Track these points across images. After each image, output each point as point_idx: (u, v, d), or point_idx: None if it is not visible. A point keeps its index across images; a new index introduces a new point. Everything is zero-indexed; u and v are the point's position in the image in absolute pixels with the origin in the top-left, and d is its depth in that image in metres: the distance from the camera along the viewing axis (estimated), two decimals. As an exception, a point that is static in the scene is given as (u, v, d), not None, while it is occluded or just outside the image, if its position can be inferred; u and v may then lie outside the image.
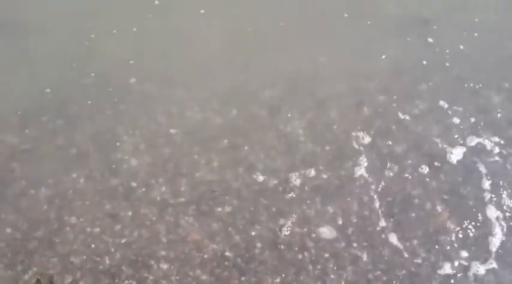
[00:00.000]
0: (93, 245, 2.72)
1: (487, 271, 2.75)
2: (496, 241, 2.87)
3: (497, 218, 2.95)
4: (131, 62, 3.72)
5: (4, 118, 3.32)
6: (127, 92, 3.53)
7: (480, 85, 3.68)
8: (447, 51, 3.92)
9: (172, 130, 3.31)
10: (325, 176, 3.11)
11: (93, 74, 3.62)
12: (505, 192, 3.07)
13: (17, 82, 3.53)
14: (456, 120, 3.44)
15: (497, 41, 4.06)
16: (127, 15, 4.05)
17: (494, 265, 2.77)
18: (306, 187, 3.05)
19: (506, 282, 2.72)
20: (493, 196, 3.05)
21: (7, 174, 3.03)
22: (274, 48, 3.90)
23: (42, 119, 3.32)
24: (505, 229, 2.91)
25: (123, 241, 2.76)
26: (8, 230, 2.78)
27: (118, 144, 3.21)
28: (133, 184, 3.02)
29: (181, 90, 3.56)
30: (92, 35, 3.87)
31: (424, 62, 3.83)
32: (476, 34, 4.05)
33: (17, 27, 3.87)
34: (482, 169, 3.18)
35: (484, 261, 2.78)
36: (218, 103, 3.49)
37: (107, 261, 2.67)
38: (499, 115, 3.50)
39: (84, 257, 2.68)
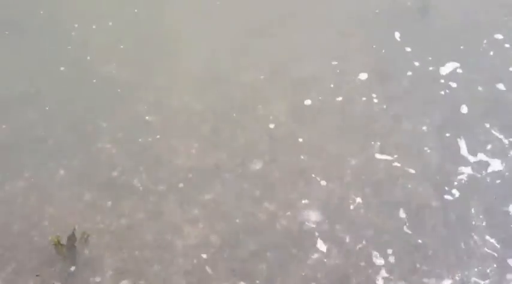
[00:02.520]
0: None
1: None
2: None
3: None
4: (109, 51, 3.66)
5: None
6: (105, 81, 3.47)
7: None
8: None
9: (150, 118, 3.25)
10: (306, 158, 3.08)
11: (70, 65, 3.55)
12: None
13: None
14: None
15: None
16: (105, 6, 3.99)
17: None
18: (290, 170, 3.02)
19: None
20: None
21: (-17, 168, 2.96)
22: (254, 34, 3.86)
23: (19, 111, 3.25)
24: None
25: (104, 230, 2.71)
26: (-15, 224, 2.72)
27: (97, 133, 3.15)
28: (114, 173, 2.96)
29: (160, 78, 3.51)
30: (73, 26, 3.80)
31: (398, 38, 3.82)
32: None
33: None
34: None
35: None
36: (197, 89, 3.44)
37: (87, 251, 2.62)
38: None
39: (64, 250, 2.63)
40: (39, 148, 3.06)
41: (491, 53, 3.71)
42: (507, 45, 3.75)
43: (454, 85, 3.49)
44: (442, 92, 3.45)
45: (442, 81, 3.52)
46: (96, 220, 2.75)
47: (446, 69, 3.60)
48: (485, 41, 3.79)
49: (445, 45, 3.76)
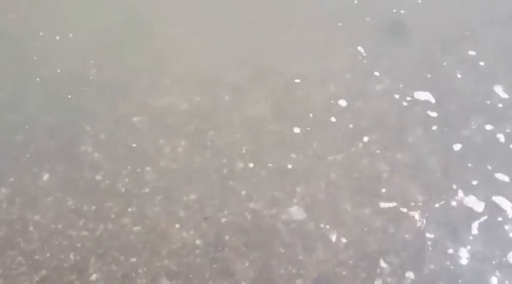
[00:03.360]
0: (56, 242, 2.65)
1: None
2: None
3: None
4: (91, 51, 3.63)
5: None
6: (87, 82, 3.44)
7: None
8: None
9: (135, 119, 3.23)
10: (294, 156, 3.07)
11: (50, 67, 3.52)
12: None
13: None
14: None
15: None
16: (86, 4, 3.95)
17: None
18: (275, 169, 3.01)
19: None
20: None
21: (-34, 175, 2.94)
22: (236, 31, 3.84)
23: None
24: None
25: (88, 236, 2.69)
26: (-31, 232, 2.70)
27: (79, 136, 3.13)
28: (97, 177, 2.95)
29: (143, 78, 3.49)
30: (51, 29, 3.76)
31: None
32: None
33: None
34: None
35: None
36: (181, 89, 3.42)
37: (72, 257, 2.61)
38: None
39: (49, 254, 2.61)
40: (21, 153, 3.03)
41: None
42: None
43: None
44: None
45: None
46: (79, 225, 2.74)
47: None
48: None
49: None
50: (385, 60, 3.69)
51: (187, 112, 3.31)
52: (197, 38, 3.77)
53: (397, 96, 3.43)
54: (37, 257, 2.62)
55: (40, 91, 3.37)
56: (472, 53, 3.77)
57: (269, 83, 3.49)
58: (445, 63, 3.69)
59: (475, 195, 2.92)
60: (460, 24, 4.01)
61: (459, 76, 3.60)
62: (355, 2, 4.08)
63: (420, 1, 4.21)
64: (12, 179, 2.92)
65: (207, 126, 3.22)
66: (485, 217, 2.82)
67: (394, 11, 4.09)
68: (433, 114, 3.33)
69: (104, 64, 3.56)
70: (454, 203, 2.88)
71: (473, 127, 3.27)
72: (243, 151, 3.09)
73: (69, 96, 3.35)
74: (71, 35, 3.74)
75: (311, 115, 3.30)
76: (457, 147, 3.16)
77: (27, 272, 2.56)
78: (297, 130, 3.21)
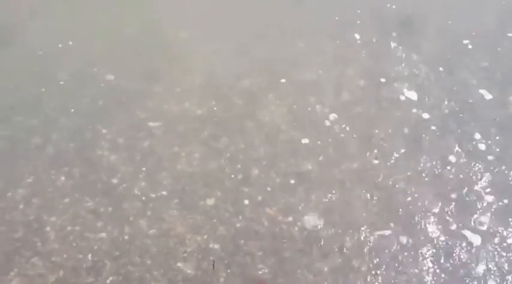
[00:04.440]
0: (74, 244, 2.67)
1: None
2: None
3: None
4: (108, 57, 3.67)
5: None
6: (104, 88, 3.48)
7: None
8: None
9: (151, 124, 3.26)
10: (308, 163, 3.10)
11: (69, 71, 3.56)
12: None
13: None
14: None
15: None
16: (103, 12, 4.00)
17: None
18: (290, 176, 3.03)
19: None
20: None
21: (-17, 176, 2.96)
22: (251, 38, 3.88)
23: (18, 118, 3.25)
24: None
25: (105, 238, 2.71)
26: (-14, 232, 2.72)
27: (96, 140, 3.16)
28: (114, 180, 2.97)
29: (159, 84, 3.52)
30: (68, 33, 3.81)
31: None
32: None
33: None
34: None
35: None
36: (197, 95, 3.46)
37: (90, 258, 2.62)
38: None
39: (65, 256, 2.63)
40: (39, 155, 3.06)
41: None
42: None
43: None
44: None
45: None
46: (96, 227, 2.75)
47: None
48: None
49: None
50: (399, 67, 3.72)
51: (202, 118, 3.34)
52: (212, 45, 3.81)
53: (413, 106, 3.47)
54: (53, 258, 2.63)
55: (58, 95, 3.40)
56: None
57: (284, 90, 3.53)
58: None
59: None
60: None
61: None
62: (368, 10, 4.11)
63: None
64: (29, 180, 2.94)
65: (221, 132, 3.25)
66: None
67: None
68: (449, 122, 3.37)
69: (120, 69, 3.59)
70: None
71: None
72: (258, 158, 3.12)
73: (87, 101, 3.38)
74: (88, 41, 3.79)
75: (326, 122, 3.33)
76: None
77: (43, 273, 2.58)
78: (311, 137, 3.24)
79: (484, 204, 2.96)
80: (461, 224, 2.86)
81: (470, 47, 4.01)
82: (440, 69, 3.79)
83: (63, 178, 2.96)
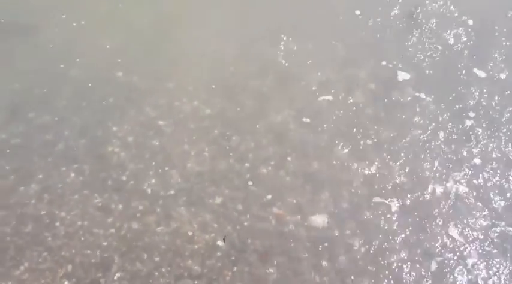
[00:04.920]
0: (83, 239, 2.70)
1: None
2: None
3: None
4: (118, 55, 3.69)
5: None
6: (115, 85, 3.50)
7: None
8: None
9: (161, 122, 3.29)
10: (317, 163, 3.10)
11: (80, 69, 3.58)
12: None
13: (4, 78, 3.48)
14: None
15: None
16: (114, 9, 4.02)
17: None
18: (299, 175, 3.04)
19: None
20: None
21: (-4, 170, 3.01)
22: (260, 38, 3.88)
23: (30, 115, 3.28)
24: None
25: (114, 234, 2.74)
26: (-3, 226, 2.76)
27: (107, 137, 3.18)
28: (123, 177, 2.99)
29: (169, 82, 3.54)
30: (79, 31, 3.83)
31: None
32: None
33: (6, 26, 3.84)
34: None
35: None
36: (207, 93, 3.47)
37: (98, 254, 2.65)
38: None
39: (74, 251, 2.66)
40: (50, 151, 3.09)
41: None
42: None
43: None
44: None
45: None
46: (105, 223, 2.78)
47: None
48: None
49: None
50: (410, 70, 3.71)
51: (211, 117, 3.35)
52: (222, 45, 3.81)
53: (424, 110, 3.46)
54: (63, 253, 2.66)
55: (69, 92, 3.43)
56: None
57: (293, 90, 3.53)
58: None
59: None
60: None
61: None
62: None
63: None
64: (40, 176, 2.97)
65: (231, 132, 3.26)
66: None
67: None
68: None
69: (131, 68, 3.61)
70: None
71: None
72: (267, 157, 3.13)
73: (97, 98, 3.41)
74: (99, 40, 3.81)
75: (334, 123, 3.33)
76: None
77: (52, 267, 2.61)
78: (321, 137, 3.24)
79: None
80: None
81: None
82: None
83: (73, 174, 3.00)
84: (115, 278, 2.57)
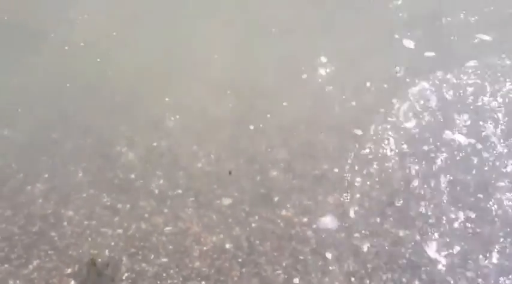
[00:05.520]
0: (90, 239, 2.69)
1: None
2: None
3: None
4: (127, 54, 3.69)
5: (0, 113, 3.28)
6: (122, 84, 3.49)
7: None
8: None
9: (169, 122, 3.28)
10: (325, 166, 3.09)
11: (87, 67, 3.58)
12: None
13: (14, 77, 3.48)
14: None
15: None
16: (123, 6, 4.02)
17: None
18: (307, 177, 3.03)
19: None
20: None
21: (3, 169, 2.99)
22: (270, 38, 3.87)
23: (38, 113, 3.28)
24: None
25: (121, 234, 2.73)
26: (5, 225, 2.74)
27: (114, 136, 3.18)
28: (131, 176, 2.99)
29: (178, 81, 3.53)
30: (88, 28, 3.83)
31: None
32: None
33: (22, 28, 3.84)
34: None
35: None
36: (216, 93, 3.46)
37: (106, 253, 2.64)
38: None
39: (81, 251, 2.65)
40: (57, 150, 3.09)
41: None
42: None
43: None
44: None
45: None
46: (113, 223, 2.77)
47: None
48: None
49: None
50: (422, 71, 3.67)
51: (220, 117, 3.34)
52: (232, 44, 3.79)
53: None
54: (70, 252, 2.65)
55: (76, 91, 3.43)
56: None
57: (303, 90, 3.51)
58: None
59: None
60: None
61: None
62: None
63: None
64: (47, 175, 2.97)
65: (240, 132, 3.25)
66: None
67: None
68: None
69: (141, 67, 3.60)
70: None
71: None
72: (276, 159, 3.11)
73: (105, 97, 3.40)
74: (108, 36, 3.80)
75: (345, 125, 3.30)
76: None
77: (59, 266, 2.60)
78: (330, 139, 3.22)
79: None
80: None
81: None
82: None
83: (80, 173, 2.99)
84: (123, 278, 2.56)
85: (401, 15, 3.98)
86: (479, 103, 3.38)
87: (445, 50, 3.74)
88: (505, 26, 3.87)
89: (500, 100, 3.40)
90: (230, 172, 2.92)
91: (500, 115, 3.31)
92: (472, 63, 3.63)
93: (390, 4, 4.06)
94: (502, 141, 3.16)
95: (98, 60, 3.63)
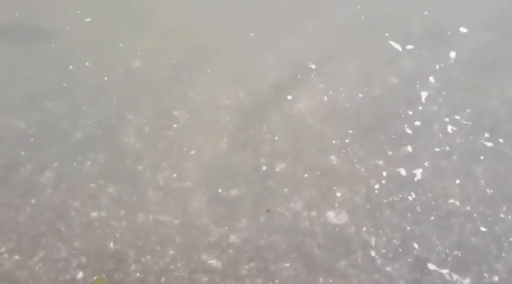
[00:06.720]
0: (98, 231, 2.68)
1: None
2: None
3: None
4: (135, 45, 3.67)
5: (10, 102, 3.28)
6: (131, 75, 3.47)
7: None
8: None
9: (177, 113, 3.25)
10: (335, 158, 3.04)
11: (96, 58, 3.56)
12: None
13: (24, 68, 3.48)
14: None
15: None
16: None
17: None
18: (315, 171, 2.98)
19: None
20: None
21: (13, 158, 2.99)
22: (279, 29, 3.82)
23: (48, 103, 3.27)
24: None
25: (128, 226, 2.71)
26: (13, 215, 2.75)
27: (123, 127, 3.16)
28: (139, 167, 2.97)
29: (186, 72, 3.50)
30: (95, 20, 3.81)
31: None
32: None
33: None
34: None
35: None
36: (225, 85, 3.42)
37: (112, 246, 2.63)
38: None
39: (88, 242, 2.64)
40: (67, 140, 3.08)
41: None
42: None
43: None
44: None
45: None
46: (120, 215, 2.76)
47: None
48: None
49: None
50: (428, 71, 3.62)
51: (229, 108, 3.30)
52: (241, 35, 3.76)
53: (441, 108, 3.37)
54: (77, 244, 2.65)
55: (86, 81, 3.41)
56: None
57: (312, 84, 3.46)
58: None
59: None
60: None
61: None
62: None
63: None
64: (56, 164, 2.96)
65: (248, 124, 3.21)
66: None
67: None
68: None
69: (148, 57, 3.58)
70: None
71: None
72: (284, 151, 3.07)
73: (114, 88, 3.38)
74: (117, 29, 3.78)
75: (354, 119, 3.25)
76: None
77: (66, 257, 2.60)
78: (339, 132, 3.17)
79: None
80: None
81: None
82: None
83: (88, 163, 2.98)
84: (129, 271, 2.55)
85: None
86: None
87: None
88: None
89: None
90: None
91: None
92: None
93: None
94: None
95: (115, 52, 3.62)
